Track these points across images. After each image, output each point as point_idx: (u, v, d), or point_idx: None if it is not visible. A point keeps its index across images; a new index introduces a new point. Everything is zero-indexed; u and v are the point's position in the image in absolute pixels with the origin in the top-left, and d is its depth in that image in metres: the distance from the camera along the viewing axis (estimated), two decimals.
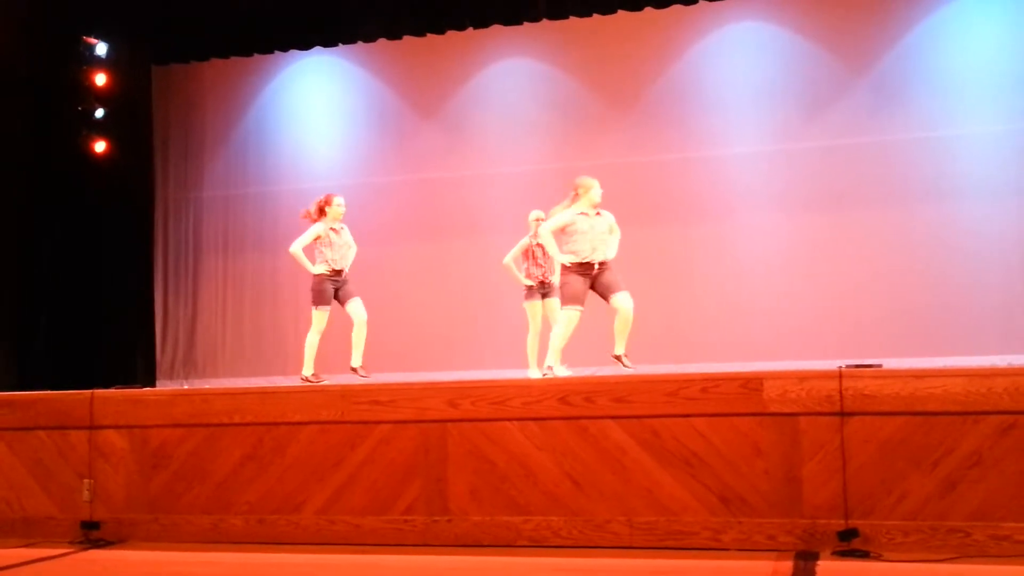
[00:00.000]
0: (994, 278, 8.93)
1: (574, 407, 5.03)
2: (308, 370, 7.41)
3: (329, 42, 10.68)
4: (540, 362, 7.36)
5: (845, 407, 4.67)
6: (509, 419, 5.12)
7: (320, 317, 7.37)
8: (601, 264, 6.43)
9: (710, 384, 4.89)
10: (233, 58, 11.08)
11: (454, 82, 10.68)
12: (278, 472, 5.40)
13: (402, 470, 5.25)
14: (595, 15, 9.86)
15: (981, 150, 9.15)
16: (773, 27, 9.79)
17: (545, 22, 9.98)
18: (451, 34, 10.32)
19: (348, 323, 7.38)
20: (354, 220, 10.75)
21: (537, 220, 7.58)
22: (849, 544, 4.57)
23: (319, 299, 7.34)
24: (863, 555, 4.49)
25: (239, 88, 11.36)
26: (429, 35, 10.38)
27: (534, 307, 7.74)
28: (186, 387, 9.79)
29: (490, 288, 10.00)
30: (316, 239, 7.35)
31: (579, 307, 6.43)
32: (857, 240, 9.29)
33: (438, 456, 5.20)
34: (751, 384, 4.81)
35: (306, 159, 11.13)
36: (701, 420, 4.86)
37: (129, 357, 10.90)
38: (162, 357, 11.20)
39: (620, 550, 4.82)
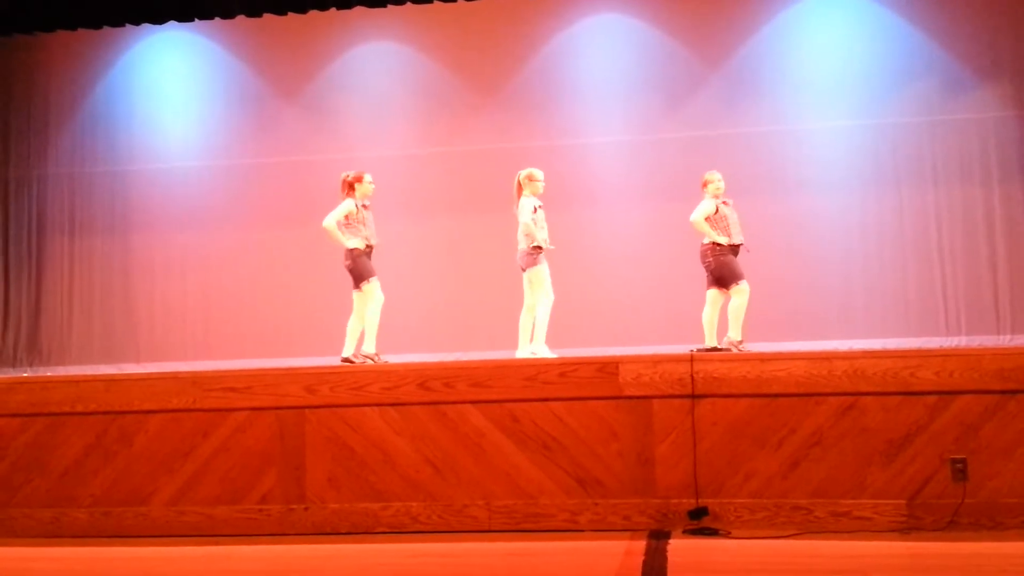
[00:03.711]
0: (837, 266, 9.38)
1: (433, 392, 5.02)
2: (370, 348, 6.98)
3: (184, 16, 10.24)
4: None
5: (696, 390, 4.82)
6: (368, 405, 5.08)
7: (373, 289, 6.98)
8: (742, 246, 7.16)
9: (568, 368, 4.96)
10: (80, 30, 10.51)
11: (317, 63, 10.45)
12: (125, 463, 5.20)
13: (258, 458, 5.14)
14: (460, 0, 9.83)
15: (827, 144, 9.58)
16: (633, 20, 9.97)
17: (410, 5, 9.87)
18: (313, 14, 10.06)
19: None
20: (210, 204, 10.54)
21: (529, 178, 7.13)
22: (699, 522, 4.73)
23: (366, 272, 6.97)
24: (712, 533, 4.65)
25: (87, 62, 10.80)
26: (291, 13, 10.10)
27: (539, 273, 6.98)
28: (27, 374, 9.30)
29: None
30: (348, 215, 7.08)
31: (744, 280, 7.11)
32: None
33: (295, 443, 5.11)
34: (607, 368, 4.91)
35: (159, 138, 10.69)
36: (559, 404, 4.93)
37: None
38: (3, 343, 10.59)
39: (479, 534, 4.85)
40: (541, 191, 7.20)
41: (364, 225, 7.10)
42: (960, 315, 9.18)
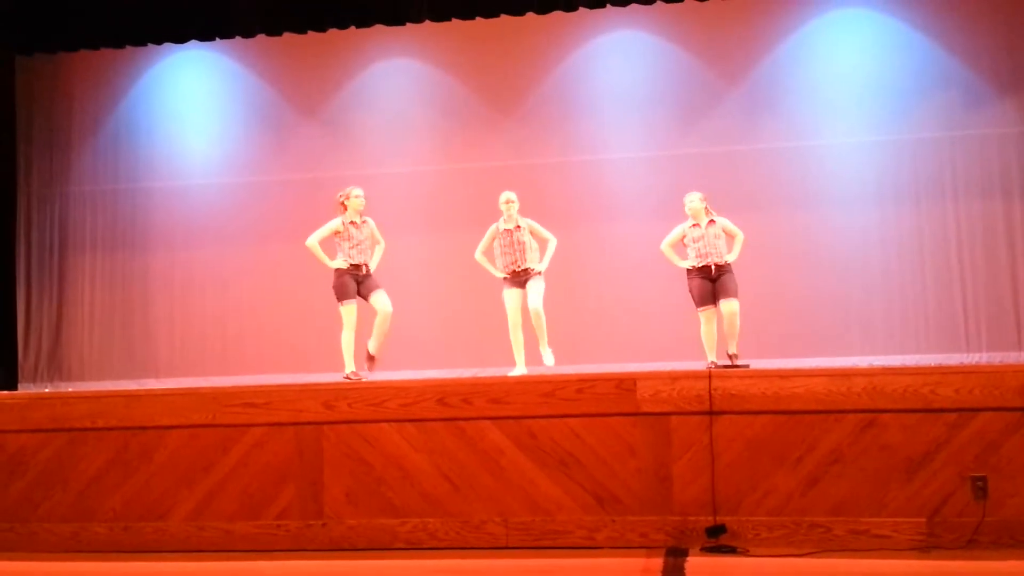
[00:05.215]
0: (856, 282, 9.34)
1: (452, 408, 5.03)
2: (349, 367, 7.09)
3: (206, 36, 10.37)
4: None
5: (714, 406, 4.80)
6: (386, 420, 5.08)
7: (348, 312, 7.07)
8: (718, 266, 7.07)
9: (585, 385, 4.96)
10: (104, 49, 10.65)
11: (336, 81, 10.54)
12: (144, 478, 5.23)
13: (276, 474, 5.15)
14: (478, 18, 9.89)
15: (845, 159, 9.56)
16: (651, 36, 10.00)
17: (428, 23, 9.95)
18: (333, 32, 10.17)
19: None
20: (230, 221, 10.62)
21: (508, 202, 7.28)
22: (717, 540, 4.70)
23: (341, 294, 7.07)
24: (730, 550, 4.62)
25: (110, 81, 10.93)
26: (310, 32, 10.21)
27: (512, 296, 7.26)
28: (48, 390, 9.37)
29: None
30: (335, 234, 7.14)
31: (710, 307, 7.08)
32: None
33: (313, 459, 5.13)
34: (625, 384, 4.90)
35: (181, 156, 10.80)
36: (577, 420, 4.92)
37: None
38: (25, 359, 10.67)
39: (496, 551, 4.84)
40: (505, 212, 7.29)
41: (349, 243, 7.11)
42: (981, 331, 9.11)
